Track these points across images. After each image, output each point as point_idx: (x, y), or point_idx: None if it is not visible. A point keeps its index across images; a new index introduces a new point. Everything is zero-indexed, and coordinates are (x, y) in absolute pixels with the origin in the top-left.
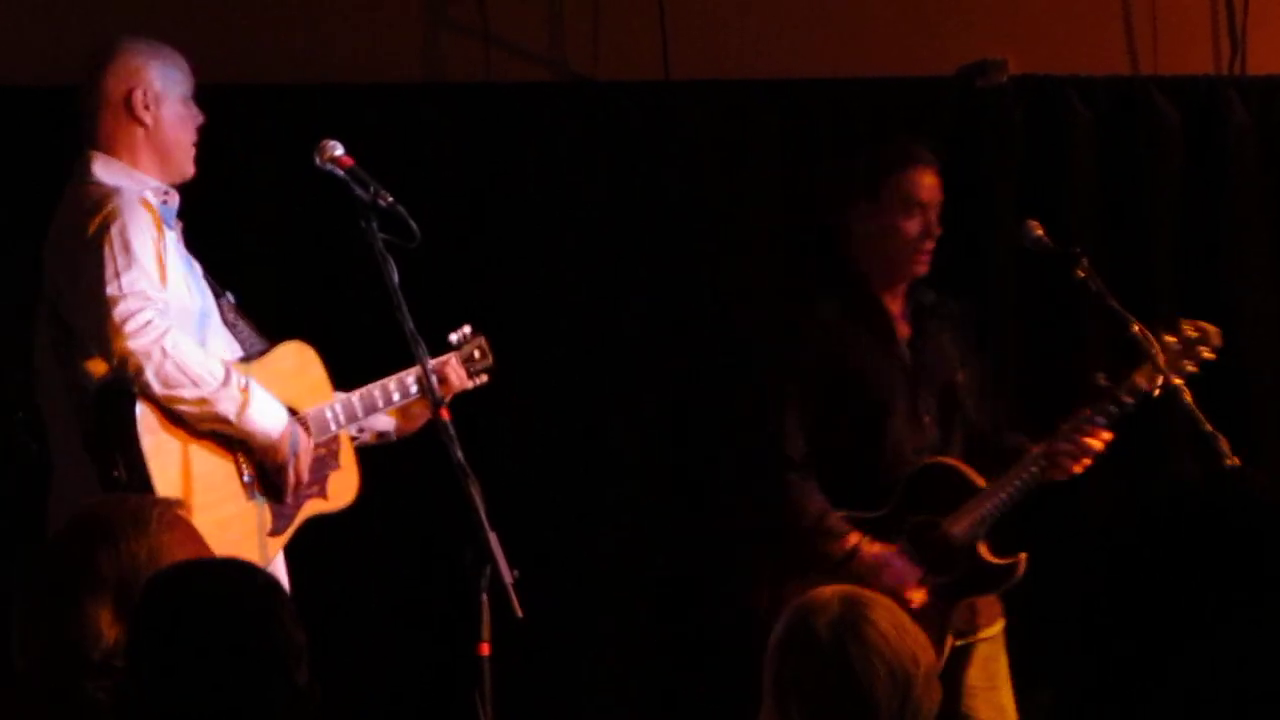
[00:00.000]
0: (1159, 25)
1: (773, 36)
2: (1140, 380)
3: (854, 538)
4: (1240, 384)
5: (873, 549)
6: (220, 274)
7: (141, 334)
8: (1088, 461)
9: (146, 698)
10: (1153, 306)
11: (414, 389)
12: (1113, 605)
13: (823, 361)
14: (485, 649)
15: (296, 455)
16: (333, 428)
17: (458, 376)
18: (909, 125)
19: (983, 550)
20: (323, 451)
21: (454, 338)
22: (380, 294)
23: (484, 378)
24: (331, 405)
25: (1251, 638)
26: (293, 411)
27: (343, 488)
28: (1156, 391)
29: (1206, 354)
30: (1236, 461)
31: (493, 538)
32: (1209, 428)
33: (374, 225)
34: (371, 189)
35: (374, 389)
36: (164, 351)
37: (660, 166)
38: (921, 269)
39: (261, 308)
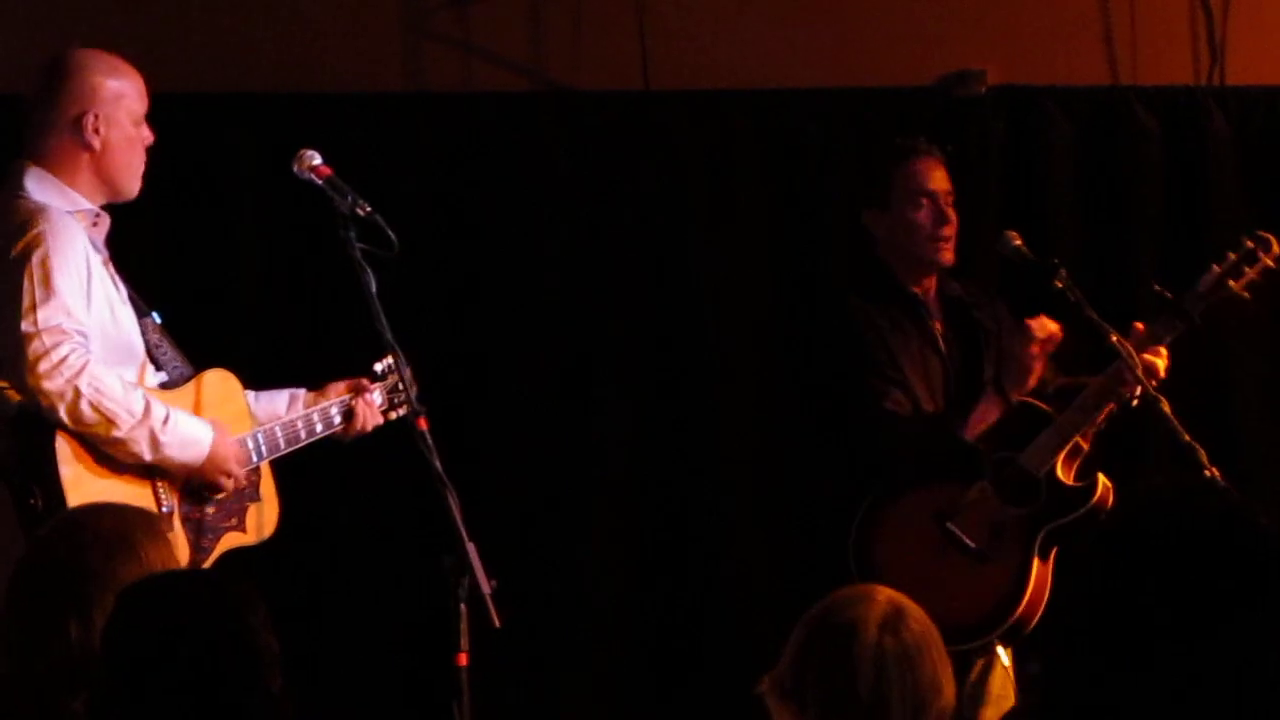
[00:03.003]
0: (1138, 36)
1: (751, 47)
2: (1203, 290)
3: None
4: (1221, 394)
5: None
6: (197, 283)
7: (56, 373)
8: (1154, 382)
9: (122, 707)
10: (1133, 317)
11: (337, 420)
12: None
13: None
14: (463, 659)
15: (228, 474)
16: (254, 459)
17: (371, 412)
18: (888, 135)
19: (1060, 475)
20: (244, 483)
21: (379, 367)
22: (359, 303)
23: (405, 409)
24: (254, 435)
25: (1221, 647)
26: None
27: (263, 520)
28: (1134, 402)
29: (1269, 262)
30: (1215, 473)
31: (470, 548)
32: (1187, 438)
33: (352, 235)
34: (350, 198)
35: (297, 421)
36: (78, 391)
37: (640, 176)
38: (945, 258)
39: (239, 315)
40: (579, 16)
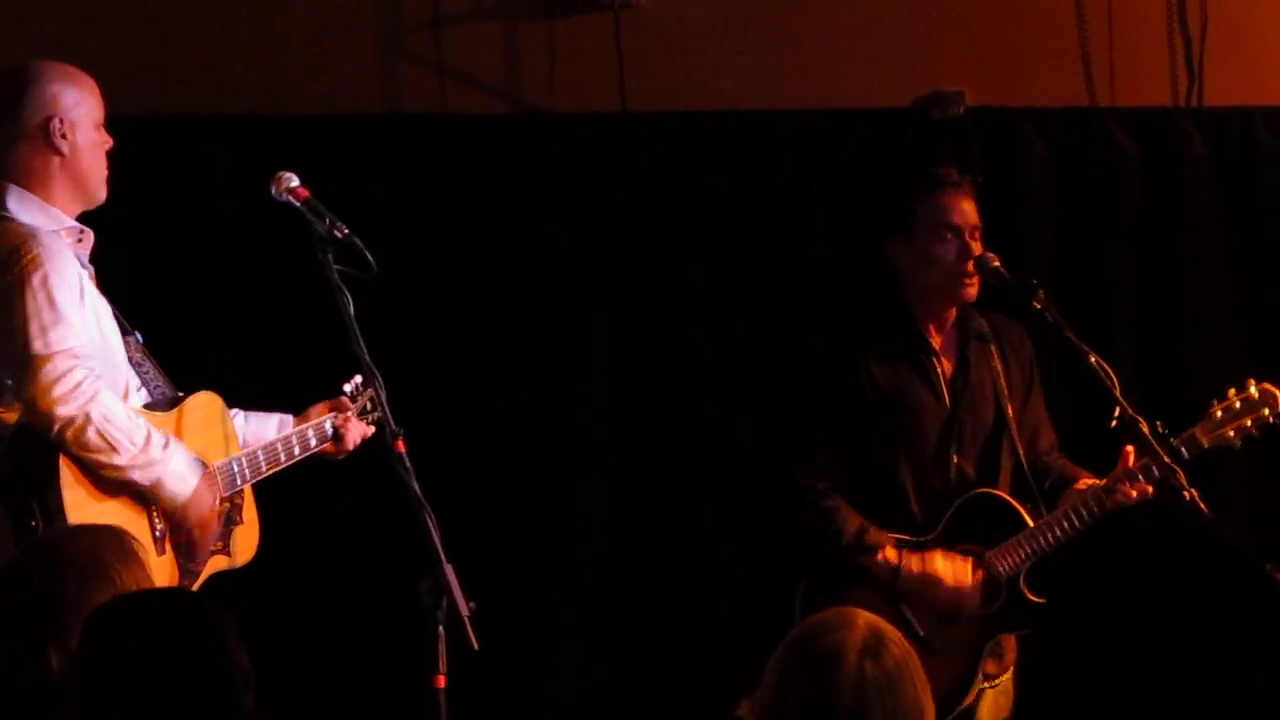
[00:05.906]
0: (1116, 57)
1: (728, 68)
2: (1201, 436)
3: (892, 553)
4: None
5: (915, 563)
6: (175, 304)
7: (70, 399)
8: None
9: None
10: (1110, 338)
11: (314, 443)
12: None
13: (861, 400)
14: (441, 681)
15: (203, 526)
16: (238, 483)
17: (357, 427)
18: (865, 157)
19: (1024, 586)
20: (227, 506)
21: (348, 388)
22: (337, 325)
23: (373, 428)
24: (239, 459)
25: (1193, 658)
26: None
27: (245, 543)
28: (1113, 422)
29: (1270, 418)
30: (1194, 494)
31: (449, 569)
32: (1166, 459)
33: (330, 257)
34: (328, 220)
35: (277, 444)
36: (88, 417)
37: (618, 198)
38: (968, 294)
39: (217, 338)
40: (554, 37)
